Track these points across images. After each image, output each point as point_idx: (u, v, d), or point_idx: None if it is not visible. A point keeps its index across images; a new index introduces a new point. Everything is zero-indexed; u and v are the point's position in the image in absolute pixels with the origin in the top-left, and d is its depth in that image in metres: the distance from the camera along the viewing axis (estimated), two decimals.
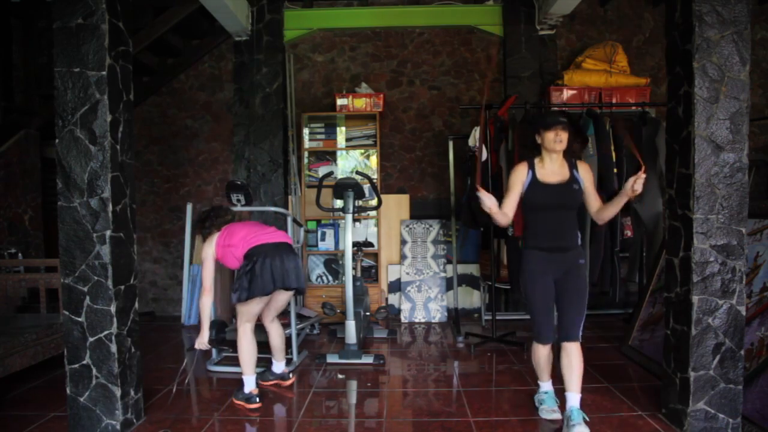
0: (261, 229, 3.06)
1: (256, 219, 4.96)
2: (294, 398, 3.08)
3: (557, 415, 2.62)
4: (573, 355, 2.52)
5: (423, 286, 4.96)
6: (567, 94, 4.51)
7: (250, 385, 2.92)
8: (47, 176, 4.62)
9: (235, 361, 3.62)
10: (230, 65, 5.23)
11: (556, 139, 2.50)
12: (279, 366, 3.24)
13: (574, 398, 2.53)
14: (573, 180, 2.55)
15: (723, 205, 2.39)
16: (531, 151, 2.69)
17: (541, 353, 2.64)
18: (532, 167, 2.59)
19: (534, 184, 2.56)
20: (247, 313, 2.95)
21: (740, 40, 2.36)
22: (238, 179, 4.34)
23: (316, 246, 5.06)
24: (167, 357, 3.81)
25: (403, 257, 5.06)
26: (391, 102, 5.28)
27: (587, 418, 2.49)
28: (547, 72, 4.99)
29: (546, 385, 2.73)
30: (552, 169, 2.57)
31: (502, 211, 2.55)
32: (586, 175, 2.59)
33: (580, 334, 2.56)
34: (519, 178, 2.59)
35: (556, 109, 4.24)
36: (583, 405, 2.78)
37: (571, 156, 2.64)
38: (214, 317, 3.67)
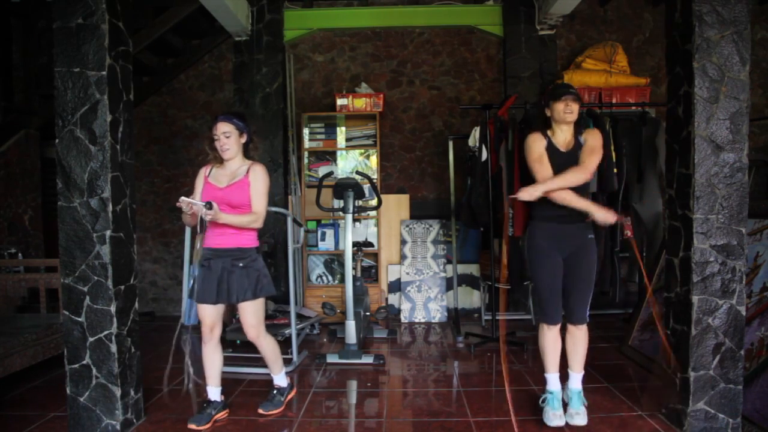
0: None
1: None
2: (294, 398, 3.07)
3: (560, 422, 2.50)
4: (579, 338, 2.56)
5: (423, 286, 4.96)
6: None
7: (286, 379, 2.94)
8: (47, 176, 4.62)
9: (235, 362, 3.62)
10: (230, 65, 5.23)
11: (566, 110, 2.49)
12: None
13: (575, 379, 2.58)
14: (579, 146, 2.55)
15: (723, 205, 2.39)
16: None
17: (548, 336, 2.56)
18: (546, 136, 2.59)
19: (551, 150, 2.55)
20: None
21: (740, 40, 2.36)
22: None
23: (316, 246, 5.06)
24: (167, 357, 3.79)
25: (403, 257, 5.06)
26: (391, 102, 5.28)
27: (586, 402, 2.56)
28: (547, 72, 4.99)
29: (553, 380, 2.58)
30: (563, 139, 2.58)
31: (545, 181, 2.50)
32: (588, 137, 2.56)
33: (588, 314, 2.55)
34: (540, 143, 2.56)
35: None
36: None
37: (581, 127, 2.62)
38: None
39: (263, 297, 2.68)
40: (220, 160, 2.67)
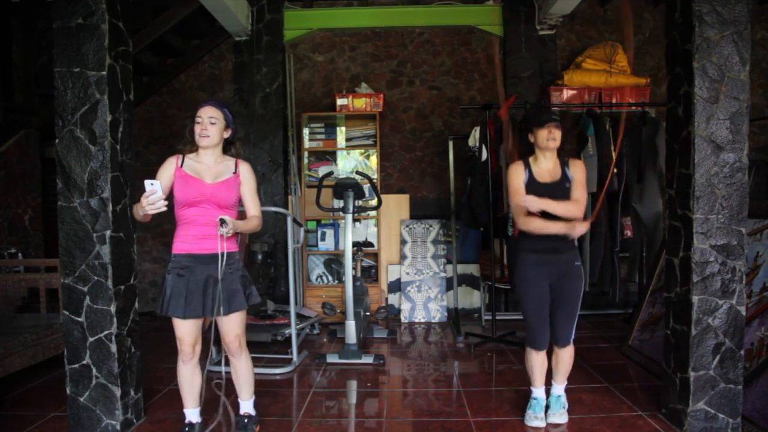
0: None
1: None
2: (294, 398, 3.08)
3: (541, 423, 2.59)
4: (563, 358, 2.61)
5: (423, 286, 4.96)
6: (567, 94, 4.51)
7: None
8: (47, 176, 4.62)
9: None
10: (230, 65, 5.23)
11: (549, 137, 2.48)
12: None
13: (557, 388, 2.66)
14: (565, 179, 2.53)
15: (723, 205, 2.39)
16: (527, 150, 2.66)
17: (535, 359, 2.60)
18: (528, 166, 2.56)
19: (531, 183, 2.53)
20: None
21: (740, 40, 2.36)
22: None
23: (316, 246, 5.06)
24: (167, 357, 3.80)
25: (403, 257, 5.06)
26: (391, 102, 5.28)
27: (566, 406, 2.65)
28: (547, 72, 4.99)
29: (538, 391, 2.65)
30: (547, 168, 2.55)
31: (518, 210, 2.52)
32: (576, 171, 2.54)
33: (572, 337, 2.58)
34: (520, 176, 2.55)
35: (554, 108, 4.23)
36: (583, 405, 2.81)
37: (564, 155, 2.62)
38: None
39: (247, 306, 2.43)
40: (195, 148, 2.40)
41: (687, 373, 2.43)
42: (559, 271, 2.53)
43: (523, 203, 2.43)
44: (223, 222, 2.22)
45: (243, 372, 2.49)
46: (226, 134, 2.41)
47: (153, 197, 2.12)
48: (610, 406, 2.80)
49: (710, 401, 2.42)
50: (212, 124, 2.32)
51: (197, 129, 2.33)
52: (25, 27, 5.00)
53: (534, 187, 2.52)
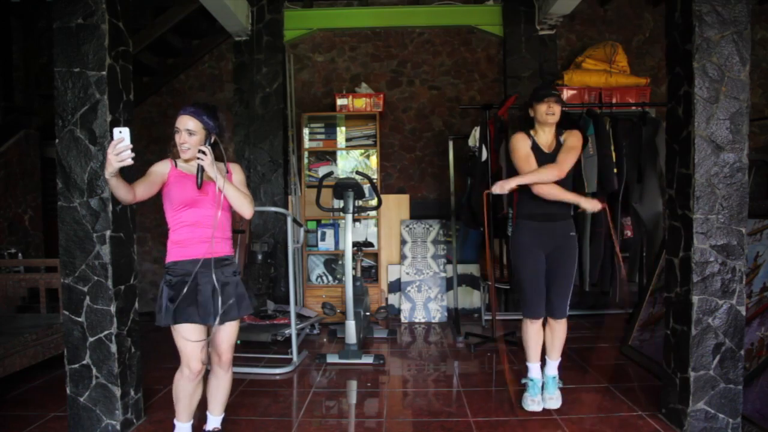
0: None
1: (256, 219, 4.97)
2: (294, 398, 3.08)
3: (538, 407, 2.66)
4: (558, 330, 2.68)
5: (423, 286, 4.96)
6: (567, 94, 4.51)
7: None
8: (47, 176, 4.63)
9: (234, 362, 3.62)
10: (230, 65, 5.23)
11: (548, 111, 2.53)
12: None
13: (551, 366, 2.72)
14: (559, 147, 2.60)
15: (723, 205, 2.39)
16: (527, 124, 2.71)
17: (531, 330, 2.67)
18: (530, 137, 2.63)
19: (535, 150, 2.60)
20: None
21: (740, 40, 2.36)
22: None
23: (316, 246, 5.06)
24: (167, 357, 3.80)
25: (403, 257, 5.06)
26: (391, 102, 5.28)
27: (561, 385, 2.73)
28: (547, 72, 5.00)
29: (534, 368, 2.72)
30: (546, 141, 2.62)
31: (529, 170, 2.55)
32: (568, 137, 2.60)
33: (567, 309, 2.63)
34: (527, 142, 2.60)
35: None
36: (583, 405, 2.81)
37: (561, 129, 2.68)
38: None
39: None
40: (178, 155, 2.24)
41: (687, 373, 2.43)
42: (555, 242, 2.59)
43: (498, 191, 2.50)
44: (211, 143, 2.10)
45: (226, 386, 2.37)
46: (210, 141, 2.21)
47: (120, 146, 1.87)
48: (610, 406, 2.80)
49: (710, 401, 2.42)
50: (191, 135, 2.16)
51: (177, 139, 2.19)
52: (25, 27, 5.01)
53: (539, 156, 2.59)
